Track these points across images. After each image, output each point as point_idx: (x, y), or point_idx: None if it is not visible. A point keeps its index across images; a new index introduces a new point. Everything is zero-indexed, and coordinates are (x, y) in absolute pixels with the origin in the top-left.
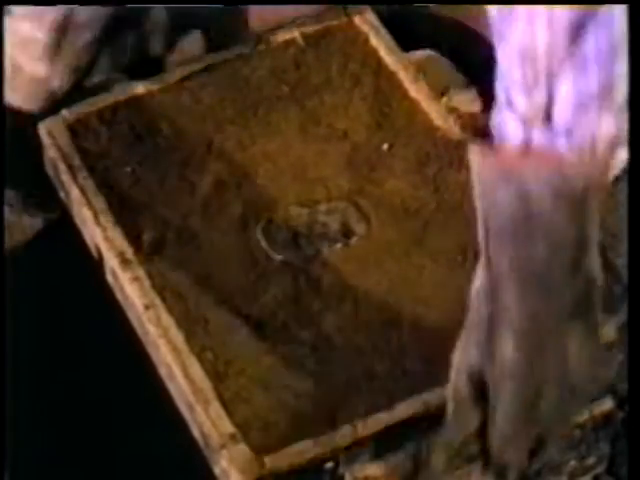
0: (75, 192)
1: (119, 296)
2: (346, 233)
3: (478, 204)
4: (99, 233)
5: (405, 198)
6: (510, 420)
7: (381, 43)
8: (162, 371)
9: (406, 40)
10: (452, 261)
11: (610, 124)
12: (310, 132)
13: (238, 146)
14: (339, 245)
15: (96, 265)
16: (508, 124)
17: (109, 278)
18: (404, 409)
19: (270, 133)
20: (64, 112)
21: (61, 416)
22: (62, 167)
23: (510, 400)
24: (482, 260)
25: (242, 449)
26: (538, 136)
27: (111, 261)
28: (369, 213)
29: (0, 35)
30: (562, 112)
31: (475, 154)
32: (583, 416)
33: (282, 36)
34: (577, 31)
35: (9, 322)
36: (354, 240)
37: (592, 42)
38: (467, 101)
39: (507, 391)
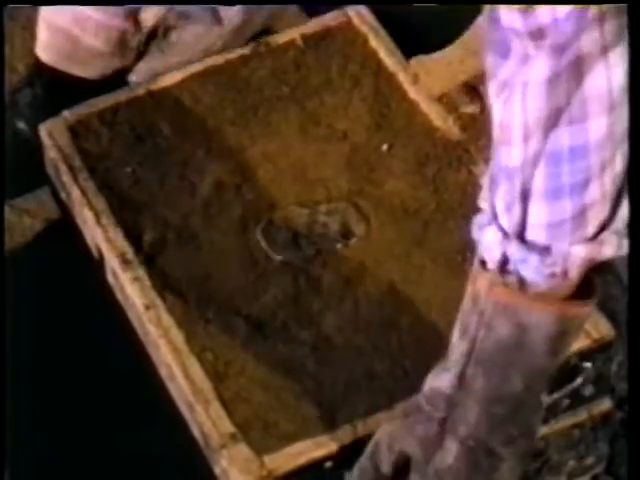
0: (76, 193)
1: (120, 296)
2: (346, 233)
3: (465, 320)
4: (100, 233)
5: (405, 198)
6: None
7: (380, 44)
8: (162, 371)
9: None
10: (452, 261)
11: (581, 250)
12: (310, 133)
13: (238, 147)
14: (339, 245)
15: (96, 266)
16: (489, 236)
17: (110, 278)
18: None
19: (270, 134)
20: (65, 113)
21: (61, 416)
22: (63, 168)
23: None
24: (450, 367)
25: (242, 449)
26: (513, 251)
27: (112, 261)
28: (369, 214)
29: (0, 35)
30: (535, 232)
31: (482, 281)
32: (581, 416)
33: (282, 37)
34: (553, 159)
35: (9, 322)
36: (354, 240)
37: (567, 172)
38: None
39: None
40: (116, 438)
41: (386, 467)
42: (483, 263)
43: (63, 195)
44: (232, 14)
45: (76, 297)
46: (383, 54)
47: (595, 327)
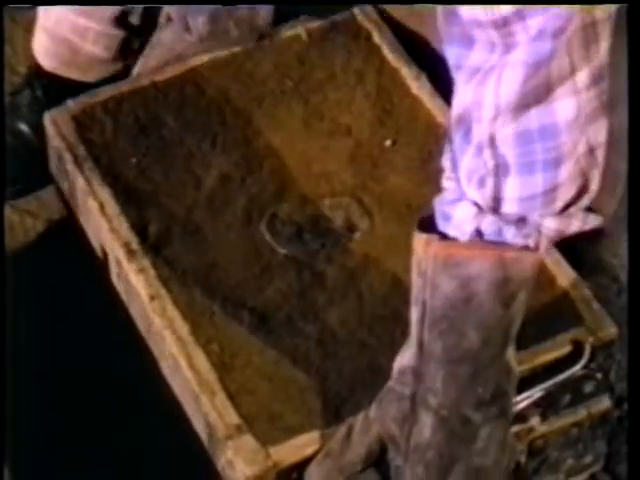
0: (80, 182)
1: (124, 288)
2: (350, 228)
3: (415, 289)
4: (104, 224)
5: (408, 194)
6: None
7: (384, 40)
8: (166, 364)
9: None
10: None
11: (552, 223)
12: (314, 127)
13: (243, 140)
14: (343, 240)
15: (100, 265)
16: (462, 211)
17: (113, 271)
18: None
19: (274, 127)
20: (69, 102)
21: (61, 415)
22: (67, 157)
23: (418, 475)
24: (412, 341)
25: (248, 440)
26: (488, 224)
27: (116, 251)
28: (372, 209)
29: (0, 35)
30: (509, 205)
31: (420, 241)
32: (580, 415)
33: (286, 32)
34: (524, 137)
35: (9, 322)
36: (357, 235)
37: (539, 150)
38: None
39: (417, 466)
40: (116, 438)
41: (359, 450)
42: (420, 227)
43: (66, 185)
44: (199, 24)
45: (77, 297)
46: (386, 50)
47: (598, 325)
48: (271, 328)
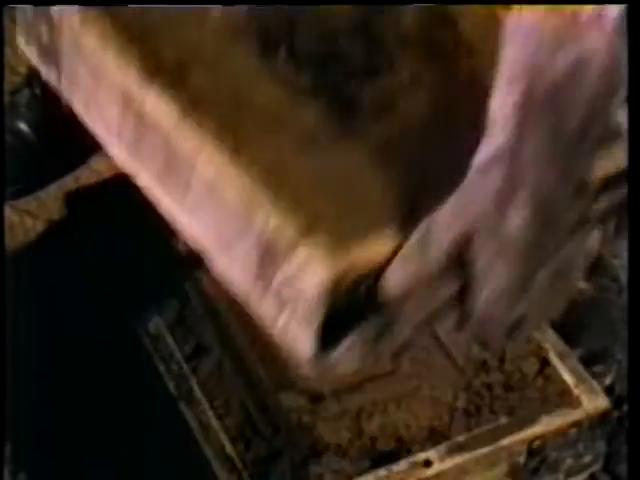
0: (74, 22)
1: (136, 125)
2: (370, 70)
3: (515, 67)
4: (110, 62)
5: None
6: (498, 294)
7: None
8: (193, 196)
9: None
10: None
11: None
12: None
13: None
14: (367, 75)
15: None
16: None
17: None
18: None
19: None
20: None
21: (60, 417)
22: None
23: (504, 274)
24: (500, 132)
25: (320, 241)
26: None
27: (129, 80)
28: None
29: (0, 35)
30: None
31: (529, 14)
32: (579, 415)
33: None
34: None
35: (9, 322)
36: (381, 75)
37: None
38: None
39: (504, 265)
40: (116, 437)
41: (439, 248)
42: None
43: (54, 35)
44: None
45: (77, 297)
46: None
47: None
48: (316, 147)
